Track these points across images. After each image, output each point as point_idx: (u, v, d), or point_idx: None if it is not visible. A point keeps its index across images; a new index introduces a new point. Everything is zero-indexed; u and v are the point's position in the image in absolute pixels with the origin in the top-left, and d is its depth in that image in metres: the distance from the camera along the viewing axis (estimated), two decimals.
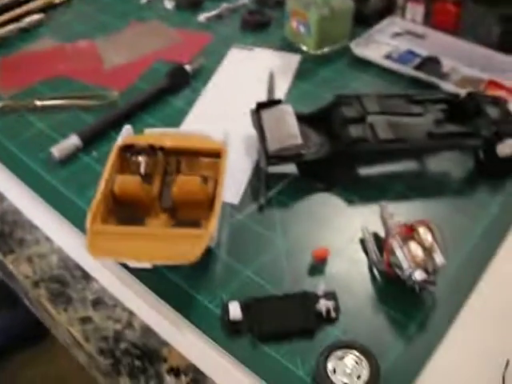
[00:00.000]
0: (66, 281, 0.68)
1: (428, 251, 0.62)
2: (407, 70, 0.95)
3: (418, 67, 0.96)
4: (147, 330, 0.63)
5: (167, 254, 0.60)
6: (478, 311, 0.64)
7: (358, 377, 0.55)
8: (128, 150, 0.73)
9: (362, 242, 0.70)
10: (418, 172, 0.80)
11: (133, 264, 0.62)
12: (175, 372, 0.60)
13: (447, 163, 0.82)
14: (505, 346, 0.61)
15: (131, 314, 0.64)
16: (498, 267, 0.68)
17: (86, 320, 0.64)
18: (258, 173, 0.78)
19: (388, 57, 0.99)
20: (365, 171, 0.80)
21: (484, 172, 0.79)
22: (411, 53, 1.00)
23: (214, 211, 0.64)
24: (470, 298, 0.65)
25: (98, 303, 0.66)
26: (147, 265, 0.62)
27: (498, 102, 0.81)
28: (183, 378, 0.59)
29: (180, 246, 0.61)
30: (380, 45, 1.03)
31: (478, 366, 0.59)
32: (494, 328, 0.63)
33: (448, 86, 0.91)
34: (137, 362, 0.60)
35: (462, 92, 0.84)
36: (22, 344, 1.61)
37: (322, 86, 0.94)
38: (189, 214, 0.69)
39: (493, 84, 0.93)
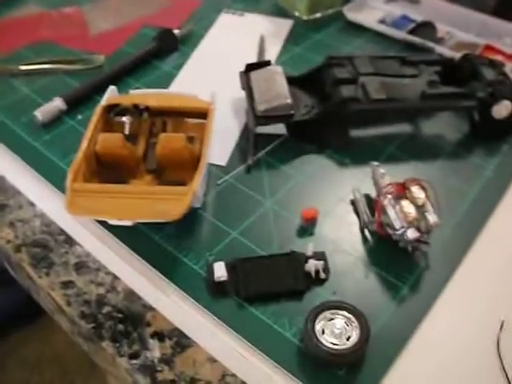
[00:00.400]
0: (49, 245, 0.66)
1: (421, 210, 0.60)
2: (401, 34, 0.93)
3: (412, 32, 0.94)
4: (131, 294, 0.61)
5: (149, 211, 0.59)
6: (472, 272, 0.62)
7: (348, 338, 0.54)
8: (112, 110, 0.70)
9: (353, 203, 0.68)
10: (412, 134, 0.79)
11: (113, 222, 0.60)
12: (159, 336, 0.58)
13: (442, 126, 0.80)
14: (500, 307, 0.59)
15: (115, 277, 0.63)
16: (492, 229, 0.67)
17: (67, 284, 0.62)
18: (246, 134, 0.76)
19: (382, 22, 0.97)
20: (357, 133, 0.78)
21: (479, 134, 0.77)
22: (405, 18, 0.98)
23: (198, 169, 0.62)
24: (464, 260, 0.63)
25: (80, 267, 0.64)
26: (128, 222, 0.60)
27: (494, 63, 0.79)
28: (167, 341, 0.57)
29: (163, 204, 0.59)
30: (374, 10, 1.01)
31: (472, 327, 0.58)
32: (488, 289, 0.61)
33: (443, 50, 0.89)
34: (120, 326, 0.59)
35: (458, 55, 0.82)
36: (17, 322, 1.60)
37: (313, 50, 0.91)
38: (174, 175, 0.67)
39: (489, 49, 0.91)
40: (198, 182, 0.60)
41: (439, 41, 0.92)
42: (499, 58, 0.88)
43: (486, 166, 0.73)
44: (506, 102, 0.74)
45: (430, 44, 0.90)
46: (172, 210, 0.58)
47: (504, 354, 0.55)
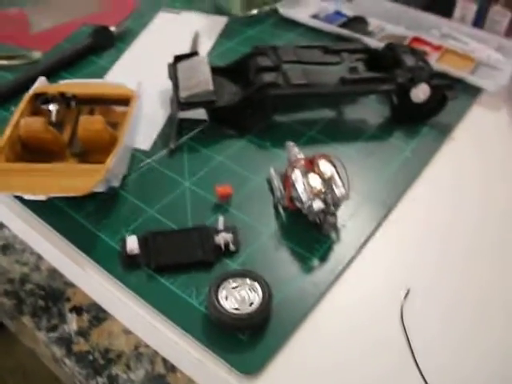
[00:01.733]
0: None
1: (328, 183, 0.63)
2: (331, 27, 0.96)
3: (343, 26, 0.96)
4: (53, 272, 0.63)
5: (61, 186, 0.61)
6: (382, 246, 0.65)
7: (251, 304, 0.55)
8: (39, 98, 0.73)
9: (269, 182, 0.70)
10: (334, 119, 0.81)
11: (28, 196, 0.62)
12: (77, 310, 0.60)
13: (364, 112, 0.82)
14: (406, 279, 0.61)
15: (39, 257, 0.65)
16: (405, 206, 0.69)
17: None
18: (170, 121, 0.78)
19: (315, 17, 1.00)
20: (280, 118, 0.80)
21: (399, 118, 0.80)
22: (338, 13, 1.01)
23: (114, 149, 0.64)
24: (376, 233, 0.66)
25: (7, 249, 0.66)
26: (42, 197, 0.62)
27: (415, 51, 0.82)
28: (85, 315, 0.59)
29: (74, 180, 0.61)
30: (308, 6, 1.04)
31: (378, 296, 0.60)
32: (397, 261, 0.64)
33: (371, 42, 0.91)
34: (40, 302, 0.61)
35: (382, 45, 0.85)
36: None
37: (245, 44, 0.94)
38: (98, 158, 0.68)
39: (416, 40, 0.94)
40: (112, 161, 0.63)
41: (369, 34, 0.95)
42: (426, 48, 0.91)
43: (405, 148, 0.76)
44: (424, 86, 0.76)
45: (359, 36, 0.93)
46: (83, 185, 0.60)
47: (407, 323, 0.57)
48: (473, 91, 0.86)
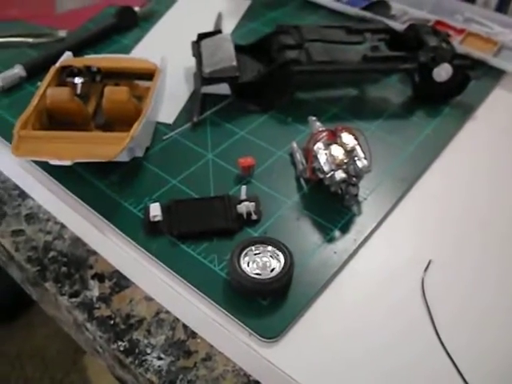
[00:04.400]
0: (3, 199, 0.68)
1: (351, 155, 0.63)
2: (354, 10, 0.96)
3: (365, 9, 0.96)
4: (76, 241, 0.64)
5: (87, 152, 0.62)
6: (404, 218, 0.65)
7: (272, 270, 0.56)
8: (65, 71, 0.74)
9: (291, 155, 0.70)
10: (357, 98, 0.81)
11: (54, 162, 0.63)
12: (100, 277, 0.60)
13: (386, 91, 0.83)
14: (427, 253, 0.61)
15: (63, 226, 0.65)
16: (425, 182, 0.70)
17: (17, 232, 0.65)
18: (194, 96, 0.79)
19: (337, 0, 1.00)
20: (303, 96, 0.81)
21: (421, 98, 0.80)
22: None
23: (139, 119, 0.65)
24: (397, 207, 0.66)
25: (31, 218, 0.66)
26: (67, 162, 0.63)
27: (437, 32, 0.82)
28: (107, 282, 0.60)
29: (100, 147, 0.62)
30: None
31: (400, 267, 0.60)
32: (418, 234, 0.64)
33: (394, 25, 0.91)
34: (63, 269, 0.61)
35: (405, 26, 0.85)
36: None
37: (268, 25, 0.94)
38: (121, 130, 0.69)
39: (440, 24, 0.94)
40: (137, 130, 0.63)
41: (392, 17, 0.95)
42: (450, 31, 0.91)
43: (426, 126, 0.76)
44: (446, 65, 0.76)
45: (382, 19, 0.93)
46: (108, 151, 0.61)
47: (429, 295, 0.57)
48: (496, 73, 0.86)
